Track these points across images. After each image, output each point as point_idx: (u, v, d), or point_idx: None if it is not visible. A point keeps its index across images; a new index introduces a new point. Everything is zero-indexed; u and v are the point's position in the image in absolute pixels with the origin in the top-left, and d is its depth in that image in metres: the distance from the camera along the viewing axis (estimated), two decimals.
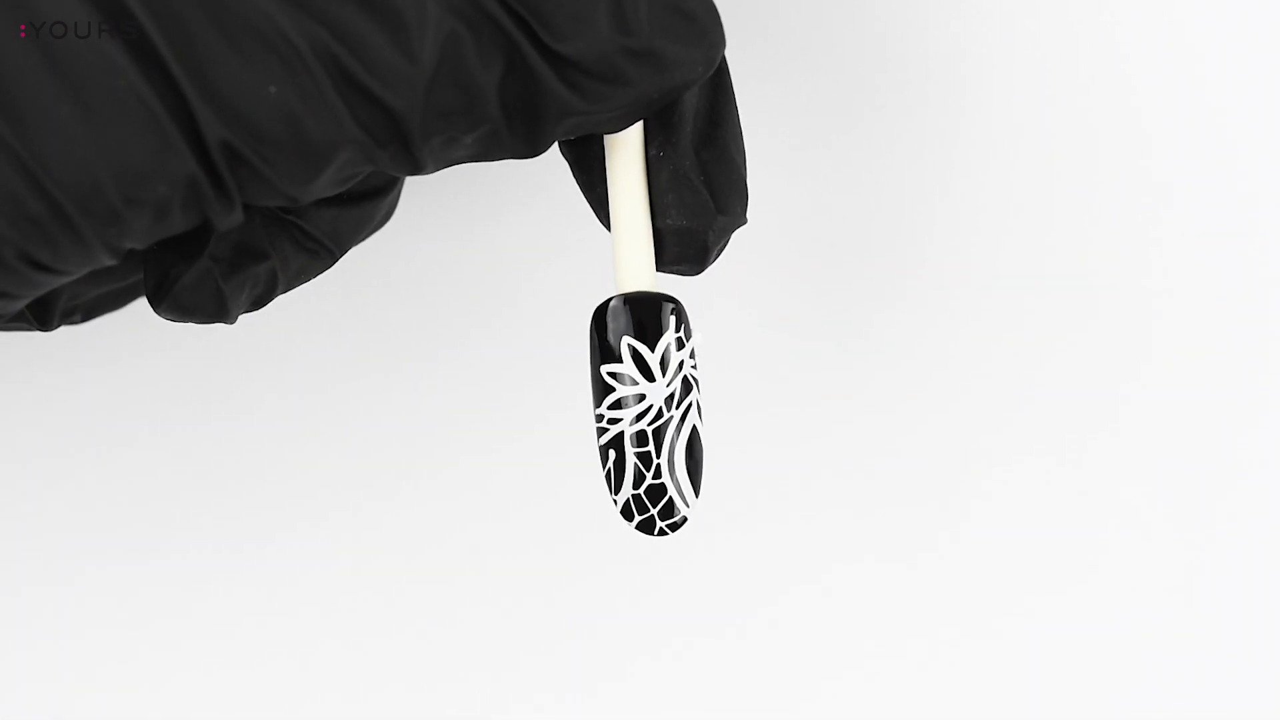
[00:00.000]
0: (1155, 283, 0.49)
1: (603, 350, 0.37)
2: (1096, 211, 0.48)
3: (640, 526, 0.37)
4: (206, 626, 0.49)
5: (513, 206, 0.49)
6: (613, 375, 0.37)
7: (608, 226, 0.38)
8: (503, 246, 0.49)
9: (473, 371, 0.49)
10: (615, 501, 0.37)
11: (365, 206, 0.40)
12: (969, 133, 0.48)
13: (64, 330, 0.46)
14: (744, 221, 0.38)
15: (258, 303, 0.39)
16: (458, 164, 0.36)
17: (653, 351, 0.37)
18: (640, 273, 0.37)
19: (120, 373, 0.49)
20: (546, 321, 0.49)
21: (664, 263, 0.38)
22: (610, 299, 0.37)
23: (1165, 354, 0.49)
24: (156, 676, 0.49)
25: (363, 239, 0.41)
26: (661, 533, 0.37)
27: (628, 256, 0.37)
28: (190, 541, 0.49)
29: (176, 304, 0.37)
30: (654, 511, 0.37)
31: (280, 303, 0.44)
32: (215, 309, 0.37)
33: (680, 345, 0.37)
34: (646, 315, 0.37)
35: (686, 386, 0.37)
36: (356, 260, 0.48)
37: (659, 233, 0.37)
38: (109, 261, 0.34)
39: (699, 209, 0.37)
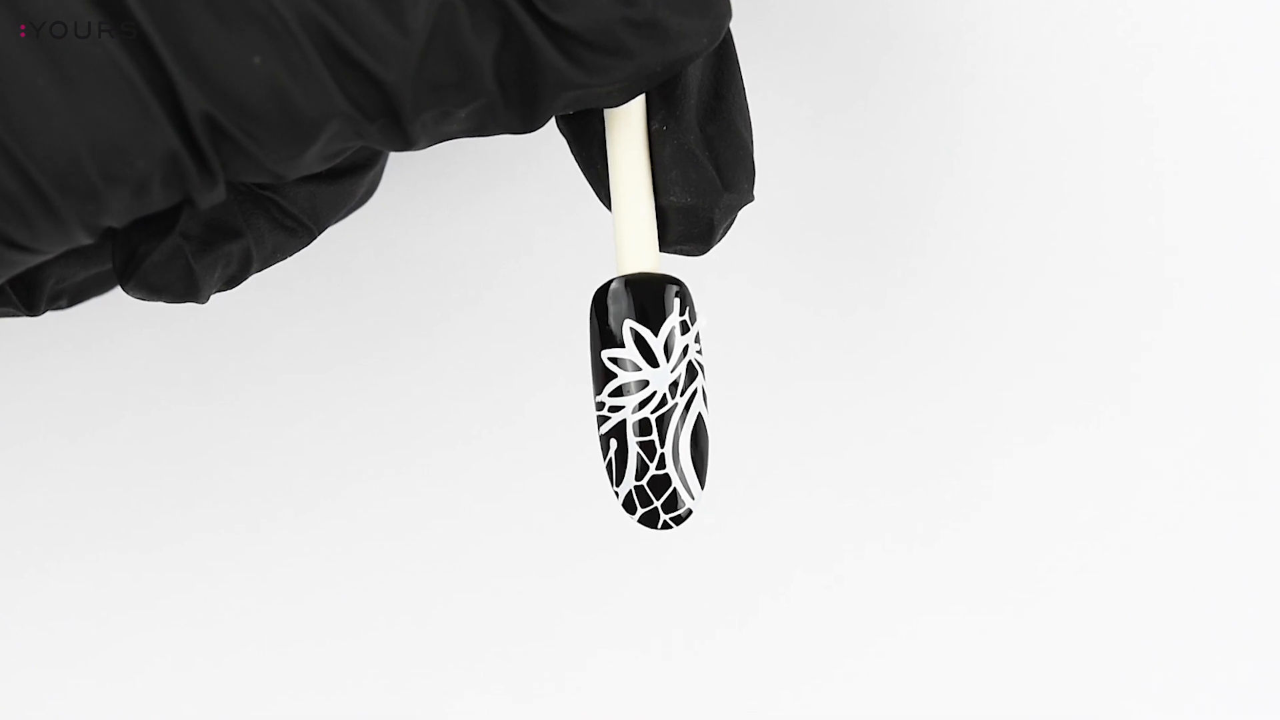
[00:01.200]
0: (1173, 262, 0.49)
1: (603, 335, 0.37)
2: (1108, 190, 0.48)
3: (643, 520, 0.37)
4: (186, 614, 0.49)
5: (507, 184, 0.48)
6: (614, 361, 0.37)
7: (608, 205, 0.37)
8: (496, 226, 0.49)
9: (464, 358, 0.49)
10: (617, 494, 0.37)
11: (345, 183, 0.40)
12: (980, 104, 0.48)
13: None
14: (751, 198, 0.37)
15: (231, 282, 0.38)
16: (450, 139, 0.35)
17: (656, 335, 0.37)
18: (642, 253, 0.37)
19: (99, 357, 0.49)
20: (544, 305, 0.48)
21: (667, 242, 0.37)
22: (611, 281, 0.37)
23: (1182, 331, 0.49)
24: (138, 664, 0.49)
25: (343, 216, 0.40)
26: (665, 526, 0.37)
27: (629, 236, 0.37)
28: (172, 528, 0.49)
29: (145, 282, 0.36)
30: (657, 504, 0.37)
31: (261, 283, 0.47)
32: (185, 288, 0.37)
33: (685, 329, 0.37)
34: (649, 298, 0.37)
35: (691, 372, 0.37)
36: (339, 239, 0.48)
37: (662, 211, 0.37)
38: (86, 240, 0.33)
39: (704, 185, 0.37)
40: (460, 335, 0.49)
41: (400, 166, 0.48)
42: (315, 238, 0.39)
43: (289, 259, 0.40)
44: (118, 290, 0.43)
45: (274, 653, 0.49)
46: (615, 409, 0.37)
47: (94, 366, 0.49)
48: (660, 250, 0.37)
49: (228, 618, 0.49)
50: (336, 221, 0.40)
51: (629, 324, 0.36)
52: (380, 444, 0.49)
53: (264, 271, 0.40)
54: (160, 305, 0.48)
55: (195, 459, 0.49)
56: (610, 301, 0.37)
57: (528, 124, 0.35)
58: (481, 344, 0.49)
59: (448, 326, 0.49)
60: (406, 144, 0.34)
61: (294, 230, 0.39)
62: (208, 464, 0.49)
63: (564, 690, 0.50)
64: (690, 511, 0.37)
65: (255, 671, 0.49)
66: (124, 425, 0.49)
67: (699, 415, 0.37)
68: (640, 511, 0.37)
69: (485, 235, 0.49)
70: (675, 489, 0.37)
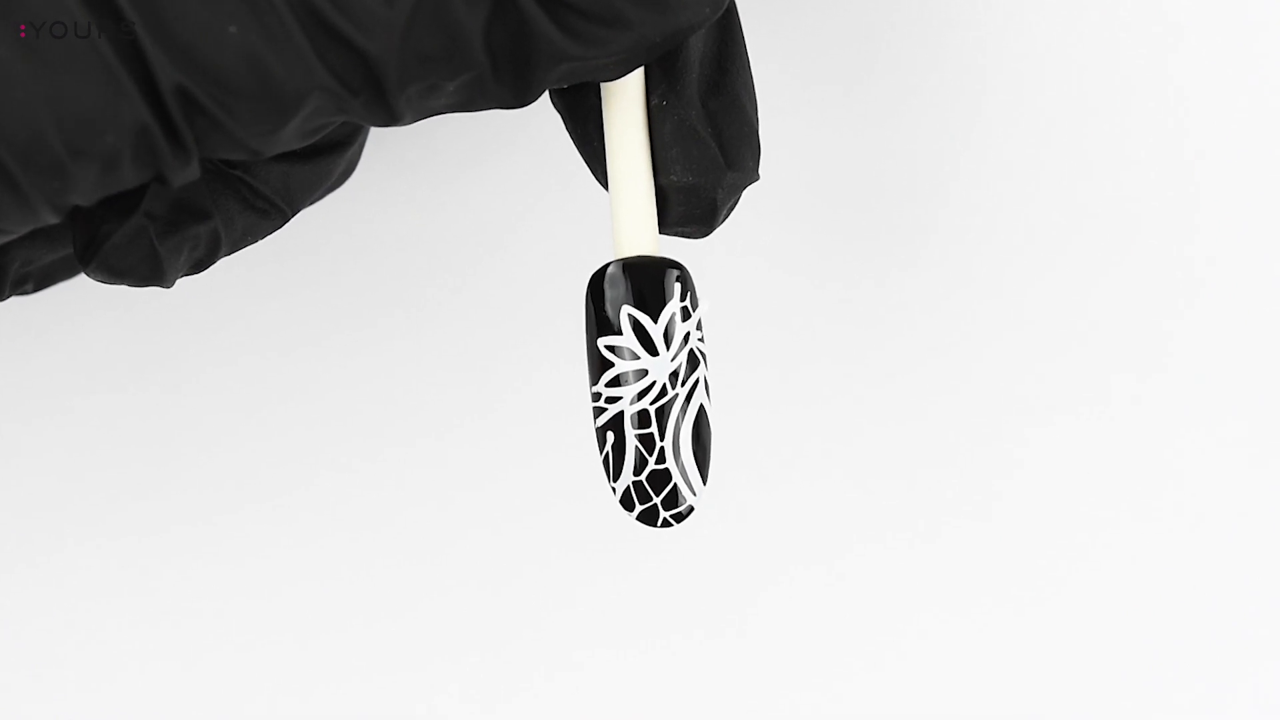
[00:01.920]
0: (1197, 246, 0.49)
1: (600, 322, 0.36)
2: (1128, 169, 0.48)
3: (642, 517, 0.36)
4: (155, 607, 0.49)
5: (497, 162, 0.48)
6: (611, 349, 0.36)
7: (605, 185, 0.37)
8: (485, 207, 0.48)
9: (453, 347, 0.49)
10: (614, 489, 0.37)
11: (321, 162, 0.39)
12: (993, 77, 0.48)
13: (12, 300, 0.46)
14: (756, 177, 0.37)
15: (198, 266, 0.37)
16: (437, 114, 0.35)
17: (655, 322, 0.36)
18: (641, 235, 0.36)
19: (65, 343, 0.48)
20: (537, 290, 0.48)
21: (668, 224, 0.37)
22: (608, 265, 0.36)
23: (1206, 318, 0.49)
24: (107, 657, 0.49)
25: (318, 198, 0.40)
26: (665, 524, 0.36)
27: (627, 218, 0.36)
28: (140, 520, 0.49)
29: (106, 265, 0.36)
30: (657, 500, 0.36)
31: (231, 267, 0.46)
32: (149, 271, 0.36)
33: (686, 315, 0.36)
34: (648, 282, 0.36)
35: (693, 361, 0.37)
36: (314, 221, 0.48)
37: (663, 191, 0.36)
38: (52, 219, 0.33)
39: (706, 164, 0.36)
40: (447, 323, 0.49)
41: (381, 143, 0.48)
42: (288, 220, 0.39)
43: (260, 242, 0.39)
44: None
45: (247, 647, 0.49)
46: (612, 400, 0.36)
47: (60, 353, 0.48)
48: (660, 232, 0.37)
49: (199, 610, 0.49)
50: (312, 203, 0.40)
51: (627, 310, 0.36)
52: (362, 436, 0.49)
53: (234, 255, 0.39)
54: (126, 290, 0.47)
55: (163, 449, 0.48)
56: (607, 286, 0.36)
57: (520, 98, 0.34)
58: (470, 332, 0.49)
59: (433, 314, 0.49)
60: (391, 119, 0.33)
61: (265, 212, 0.38)
62: (176, 455, 0.48)
63: (560, 691, 0.50)
64: (692, 509, 0.36)
65: (227, 666, 0.49)
66: (90, 414, 0.48)
67: (701, 406, 0.36)
68: (639, 508, 0.36)
69: (473, 217, 0.48)
70: (676, 484, 0.36)
